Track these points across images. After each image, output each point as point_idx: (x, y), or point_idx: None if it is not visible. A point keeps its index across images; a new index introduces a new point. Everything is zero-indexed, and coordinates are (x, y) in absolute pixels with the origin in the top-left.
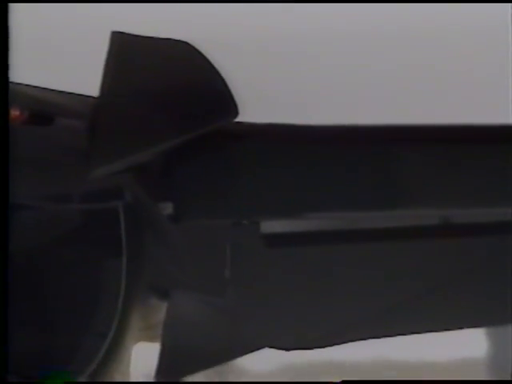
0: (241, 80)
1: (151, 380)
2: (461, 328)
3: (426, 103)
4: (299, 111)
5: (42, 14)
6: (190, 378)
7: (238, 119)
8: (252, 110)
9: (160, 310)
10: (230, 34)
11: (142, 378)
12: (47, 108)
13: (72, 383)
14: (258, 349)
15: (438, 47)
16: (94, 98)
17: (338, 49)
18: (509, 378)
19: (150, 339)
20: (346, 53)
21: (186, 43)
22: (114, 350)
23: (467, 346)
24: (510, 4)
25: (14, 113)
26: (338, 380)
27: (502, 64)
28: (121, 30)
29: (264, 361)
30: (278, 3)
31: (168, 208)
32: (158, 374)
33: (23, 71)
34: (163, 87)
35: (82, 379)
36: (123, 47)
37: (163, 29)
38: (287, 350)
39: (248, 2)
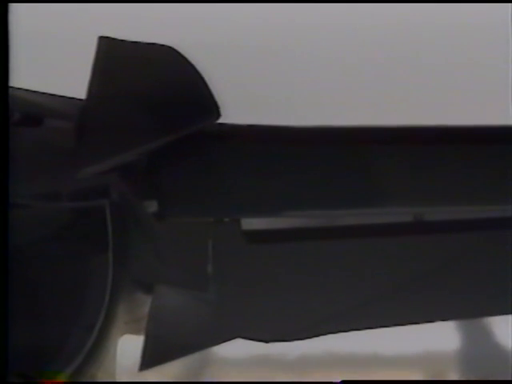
0: (223, 82)
1: (138, 377)
2: (434, 321)
3: (425, 103)
4: (282, 112)
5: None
6: (171, 364)
7: (220, 120)
8: (234, 112)
9: (145, 305)
10: (213, 37)
11: (128, 369)
12: (36, 110)
13: (70, 383)
14: (236, 338)
15: (438, 47)
16: (81, 100)
17: (329, 46)
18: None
19: (136, 332)
20: (339, 53)
21: (170, 47)
22: (101, 341)
23: (439, 339)
24: (510, 4)
25: None
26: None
27: (502, 64)
28: (108, 35)
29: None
30: (262, 3)
31: (153, 206)
32: (142, 360)
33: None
34: (148, 90)
35: (70, 369)
36: (110, 51)
37: (153, 31)
38: (266, 342)
39: (231, 2)
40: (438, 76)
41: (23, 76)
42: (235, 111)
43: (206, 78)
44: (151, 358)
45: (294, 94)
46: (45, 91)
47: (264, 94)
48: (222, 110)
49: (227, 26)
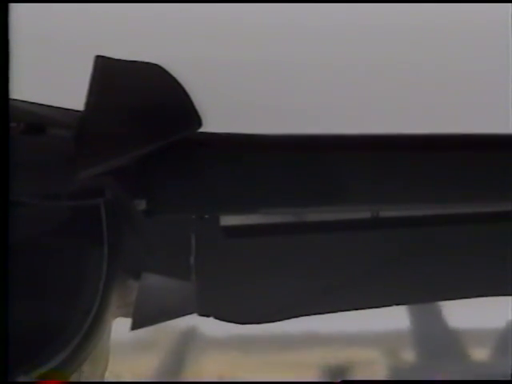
0: (205, 95)
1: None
2: (390, 305)
3: (423, 106)
4: (265, 122)
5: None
6: (153, 327)
7: (202, 129)
8: (214, 121)
9: (134, 291)
10: (198, 53)
11: (121, 347)
12: (40, 120)
13: (71, 383)
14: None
15: (437, 47)
16: (79, 111)
17: (319, 48)
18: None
19: (127, 315)
20: (334, 54)
21: (157, 65)
22: (96, 324)
23: (393, 321)
24: (510, 4)
25: (12, 125)
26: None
27: (502, 63)
28: (104, 55)
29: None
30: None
31: (142, 204)
32: (133, 322)
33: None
34: (138, 103)
35: (69, 349)
36: (105, 69)
37: (144, 47)
38: (241, 324)
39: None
40: (436, 77)
41: (23, 75)
42: (215, 121)
43: (189, 92)
44: (139, 321)
45: (273, 104)
46: (46, 88)
47: (244, 104)
48: (204, 120)
49: (210, 43)
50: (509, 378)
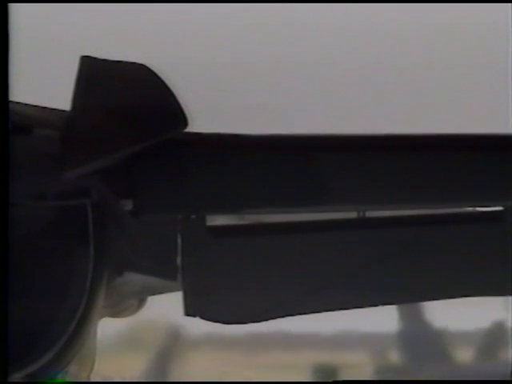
0: (192, 95)
1: None
2: (376, 306)
3: (423, 107)
4: (251, 122)
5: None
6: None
7: (188, 129)
8: (200, 122)
9: (120, 291)
10: (185, 54)
11: (107, 347)
12: (26, 121)
13: (70, 383)
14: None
15: (436, 47)
16: (66, 111)
17: (314, 46)
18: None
19: (112, 315)
20: (333, 54)
21: (144, 65)
22: (83, 323)
23: (379, 322)
24: (510, 4)
25: None
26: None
27: (502, 63)
28: (89, 55)
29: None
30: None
31: (128, 204)
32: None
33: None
34: (124, 103)
35: (56, 349)
36: (91, 69)
37: (136, 48)
38: (227, 324)
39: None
40: (436, 78)
41: (23, 75)
42: (201, 121)
43: (176, 92)
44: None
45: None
46: (45, 89)
47: (231, 104)
48: (190, 120)
49: (197, 43)
50: (509, 378)
